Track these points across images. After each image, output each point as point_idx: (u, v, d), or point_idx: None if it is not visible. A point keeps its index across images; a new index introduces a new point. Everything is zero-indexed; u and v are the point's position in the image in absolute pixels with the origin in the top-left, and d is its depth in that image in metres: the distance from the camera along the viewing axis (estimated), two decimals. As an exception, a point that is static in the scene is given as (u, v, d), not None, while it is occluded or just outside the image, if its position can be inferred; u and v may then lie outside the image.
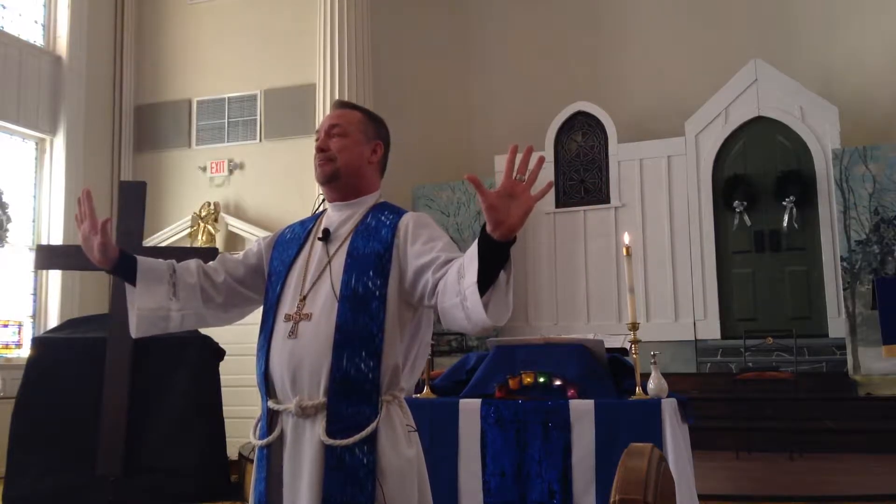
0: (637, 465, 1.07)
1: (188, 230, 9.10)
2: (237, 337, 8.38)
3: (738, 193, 8.41)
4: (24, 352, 7.86)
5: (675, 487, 1.29)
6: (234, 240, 9.04)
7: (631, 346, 3.59)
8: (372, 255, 1.97)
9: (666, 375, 3.62)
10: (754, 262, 8.48)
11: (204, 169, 9.39)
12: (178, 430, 6.14)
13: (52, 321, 8.29)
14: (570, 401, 3.55)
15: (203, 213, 9.04)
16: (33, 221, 8.76)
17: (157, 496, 5.86)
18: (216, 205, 9.11)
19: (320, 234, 2.07)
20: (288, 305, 2.01)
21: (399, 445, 1.92)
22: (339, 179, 2.09)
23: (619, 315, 8.69)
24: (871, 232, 7.57)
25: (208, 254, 6.76)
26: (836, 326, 7.88)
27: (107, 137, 9.59)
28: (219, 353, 6.63)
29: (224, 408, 6.59)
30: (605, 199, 9.09)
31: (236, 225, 9.03)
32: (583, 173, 9.28)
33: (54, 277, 8.60)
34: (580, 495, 3.39)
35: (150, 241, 8.85)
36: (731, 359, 8.07)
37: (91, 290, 8.83)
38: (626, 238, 3.78)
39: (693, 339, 8.46)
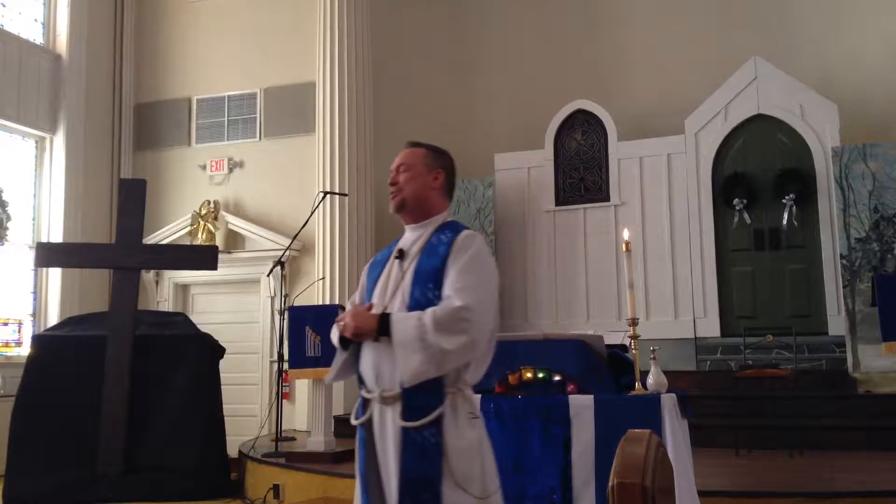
0: (635, 451, 1.08)
1: (188, 228, 9.11)
2: (237, 336, 8.45)
3: (738, 191, 8.39)
4: (25, 350, 7.87)
5: (673, 475, 1.29)
6: (233, 238, 9.04)
7: (630, 342, 3.59)
8: (432, 270, 2.38)
9: (666, 373, 3.61)
10: (754, 260, 8.47)
11: (204, 167, 9.40)
12: (177, 428, 6.13)
13: (52, 319, 8.30)
14: (570, 396, 3.55)
15: (203, 212, 9.05)
16: (33, 220, 8.77)
17: (157, 494, 5.85)
18: (216, 203, 9.12)
19: (397, 254, 2.50)
20: None
21: (461, 428, 2.30)
22: (406, 207, 2.53)
23: (619, 313, 8.67)
24: (871, 229, 7.57)
25: (208, 252, 6.76)
26: (836, 324, 7.88)
27: (107, 136, 9.60)
28: (219, 351, 6.62)
29: (224, 406, 6.59)
30: (605, 198, 9.08)
31: (236, 223, 9.04)
32: (582, 171, 9.27)
33: (54, 275, 8.60)
34: (580, 490, 3.40)
35: (150, 239, 8.85)
36: (730, 356, 8.07)
37: (91, 288, 8.83)
38: (626, 234, 3.78)
39: (693, 336, 8.45)
